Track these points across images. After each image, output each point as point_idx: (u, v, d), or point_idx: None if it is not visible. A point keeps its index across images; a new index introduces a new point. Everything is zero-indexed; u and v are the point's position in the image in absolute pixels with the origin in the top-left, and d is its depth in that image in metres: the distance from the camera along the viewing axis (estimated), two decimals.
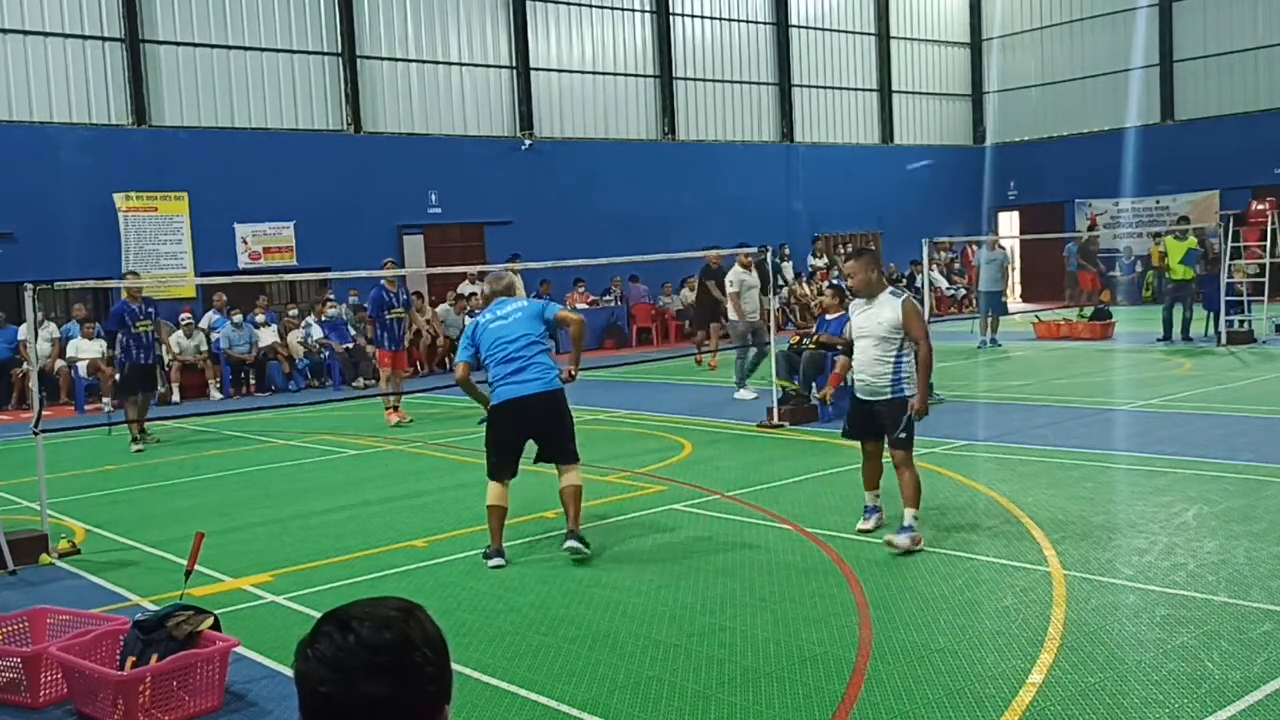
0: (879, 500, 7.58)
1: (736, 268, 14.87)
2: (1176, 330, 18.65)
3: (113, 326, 13.58)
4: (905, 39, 32.26)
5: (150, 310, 13.47)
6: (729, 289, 14.79)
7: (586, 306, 24.38)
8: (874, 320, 7.18)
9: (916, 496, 7.11)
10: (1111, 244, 30.03)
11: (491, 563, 7.19)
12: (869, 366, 7.21)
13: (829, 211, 29.63)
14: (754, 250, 14.88)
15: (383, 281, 14.44)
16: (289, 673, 5.25)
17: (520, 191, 24.30)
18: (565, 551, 7.17)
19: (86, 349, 17.80)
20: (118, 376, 14.40)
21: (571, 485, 7.31)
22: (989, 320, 20.03)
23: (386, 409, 14.11)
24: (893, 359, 7.10)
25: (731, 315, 14.82)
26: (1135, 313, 24.65)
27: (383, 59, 23.09)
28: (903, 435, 7.13)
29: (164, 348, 14.40)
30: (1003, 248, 22.39)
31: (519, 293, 7.57)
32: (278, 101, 21.91)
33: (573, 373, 7.61)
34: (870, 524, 7.49)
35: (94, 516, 9.31)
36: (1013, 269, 27.54)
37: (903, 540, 6.93)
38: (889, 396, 7.13)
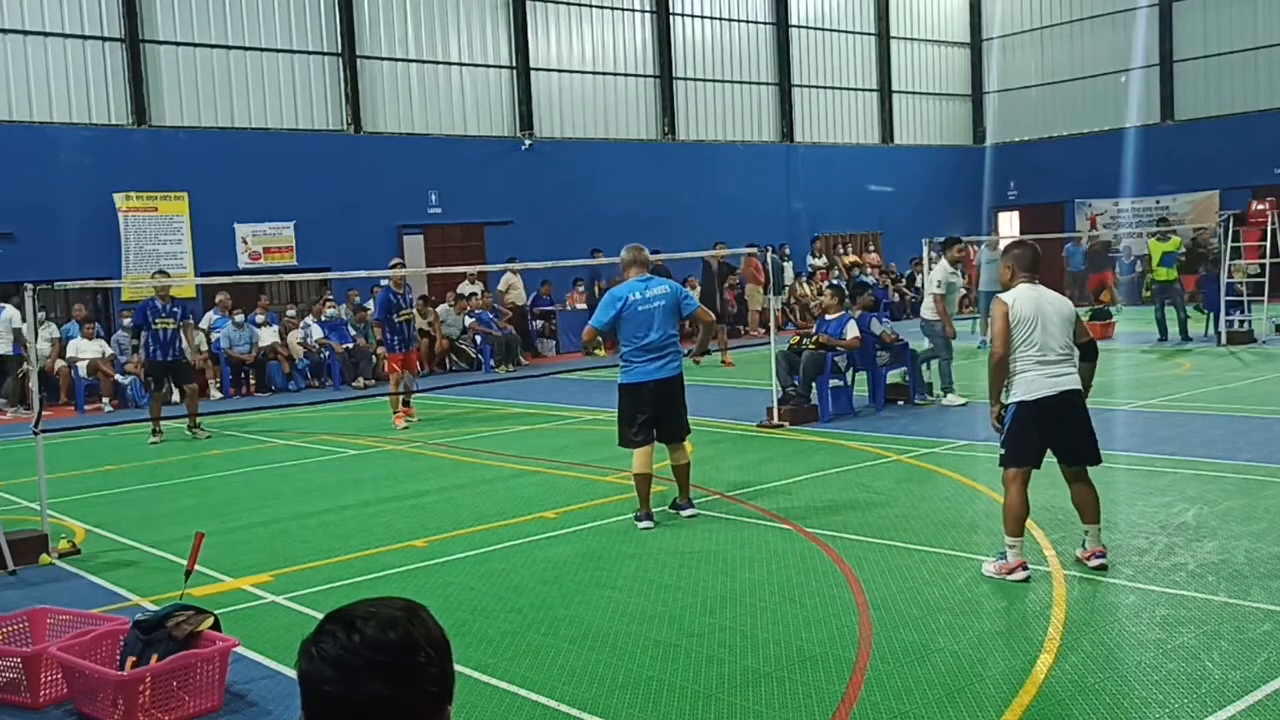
0: (1092, 542, 6.55)
1: (943, 264, 13.27)
2: (1173, 330, 18.70)
3: (137, 321, 13.74)
4: (905, 39, 32.25)
5: (175, 310, 13.65)
6: (934, 289, 13.17)
7: (585, 306, 24.38)
8: None
9: (1005, 518, 6.39)
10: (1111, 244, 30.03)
11: (641, 525, 7.90)
12: None
13: (829, 211, 29.63)
14: (757, 250, 14.74)
15: (389, 283, 14.39)
16: (289, 673, 5.26)
17: (520, 191, 24.30)
18: (686, 517, 8.13)
19: (86, 349, 17.79)
20: (143, 372, 14.67)
21: (683, 464, 8.21)
22: (989, 319, 20.04)
23: (395, 413, 13.97)
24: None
25: (931, 316, 13.33)
26: (1135, 313, 24.65)
27: (383, 59, 23.09)
28: (1001, 449, 6.48)
29: (190, 347, 14.35)
30: (1000, 248, 22.37)
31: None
32: (278, 101, 21.91)
33: (698, 359, 8.44)
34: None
35: (94, 516, 9.31)
36: None
37: (988, 567, 6.46)
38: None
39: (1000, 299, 6.49)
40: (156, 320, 13.42)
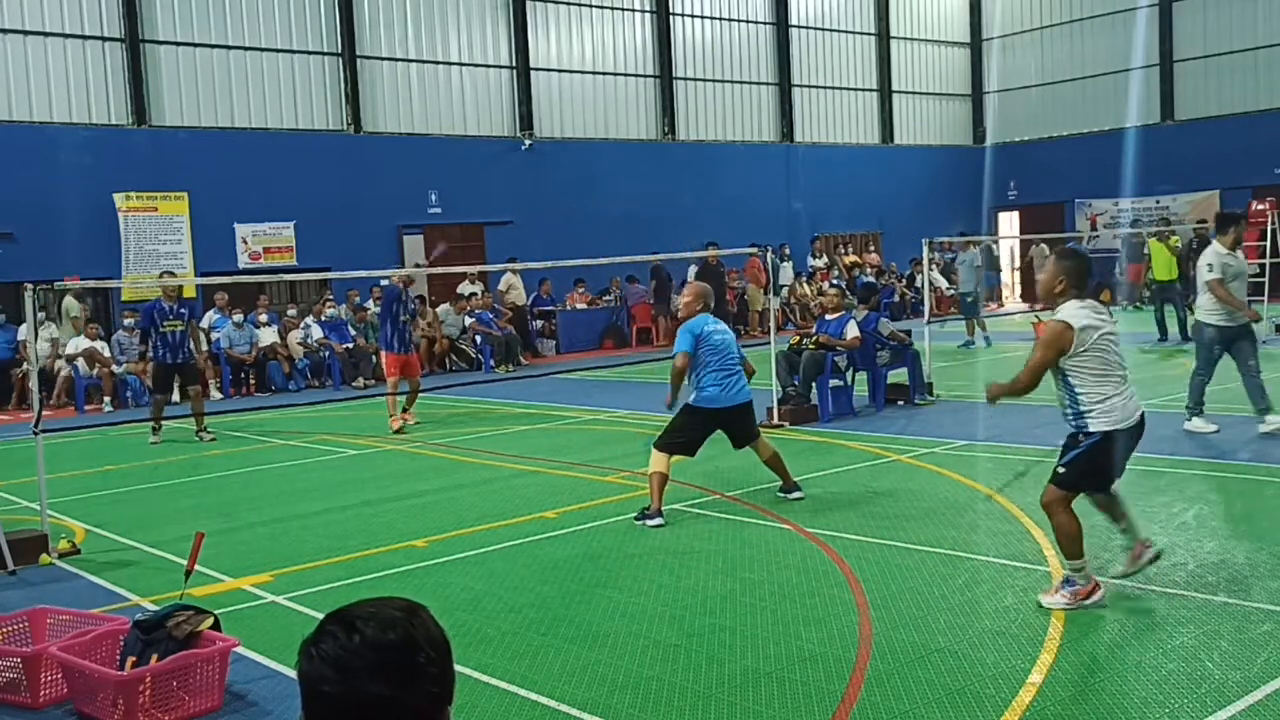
0: (1132, 539, 6.10)
1: (1214, 246, 10.54)
2: (1173, 330, 18.72)
3: (144, 324, 13.63)
4: (905, 39, 32.27)
5: (182, 311, 13.47)
6: (1207, 275, 10.29)
7: (586, 306, 24.41)
8: None
9: (1064, 543, 5.81)
10: (1111, 244, 30.03)
11: (653, 523, 7.98)
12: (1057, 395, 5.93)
13: (829, 211, 29.65)
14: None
15: (397, 281, 14.27)
16: (289, 673, 5.26)
17: (520, 191, 24.32)
18: (794, 500, 8.46)
19: (85, 346, 17.76)
20: (149, 374, 14.58)
21: (775, 452, 8.61)
22: (970, 321, 20.34)
23: (391, 416, 13.75)
24: (1064, 387, 5.75)
25: (1207, 319, 10.47)
26: (1135, 312, 24.65)
27: (383, 59, 23.09)
28: (1061, 469, 5.82)
29: (196, 347, 14.14)
30: (975, 249, 22.69)
31: None
32: (278, 101, 21.92)
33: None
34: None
35: (94, 516, 9.31)
36: (993, 269, 27.51)
37: (1052, 598, 5.80)
38: (1071, 429, 5.83)
39: (1065, 321, 5.61)
40: (164, 323, 13.23)
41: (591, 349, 23.66)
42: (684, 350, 8.47)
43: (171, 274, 15.85)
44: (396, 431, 13.49)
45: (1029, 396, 6.65)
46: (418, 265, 15.43)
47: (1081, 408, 5.67)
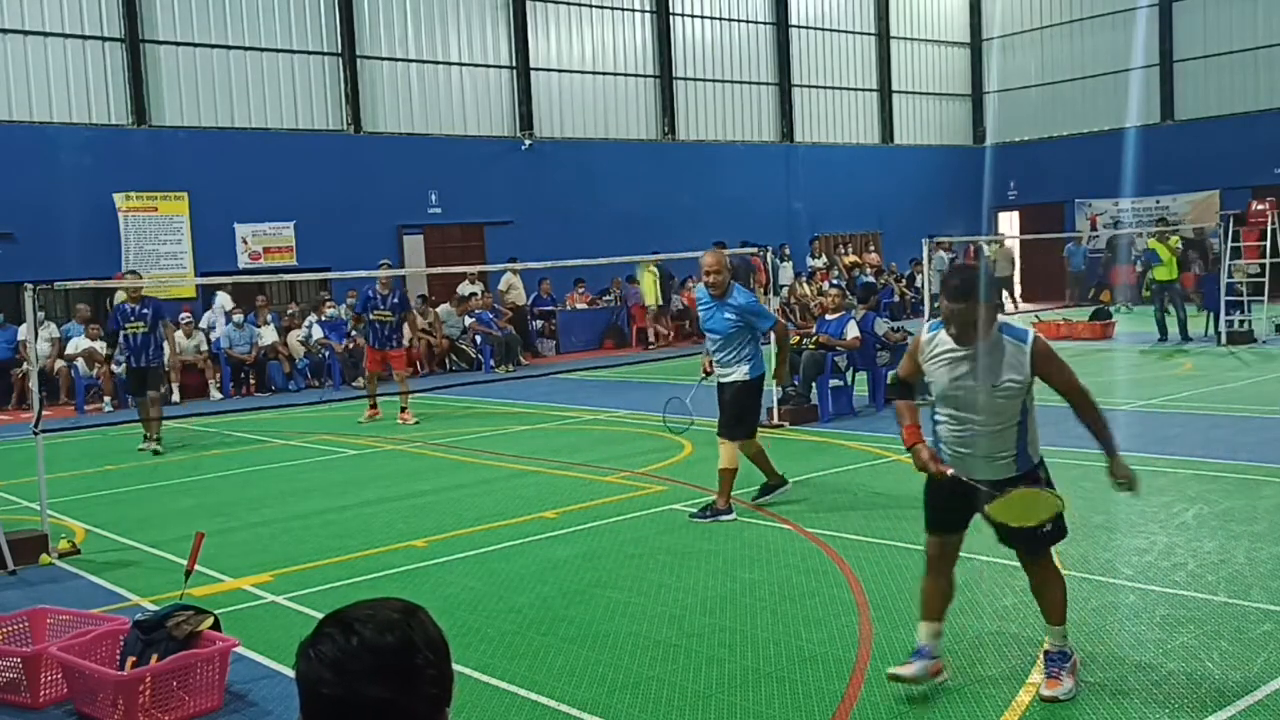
0: (938, 636, 4.85)
1: None
2: (1173, 330, 18.72)
3: (111, 327, 13.50)
4: (905, 39, 32.27)
5: (145, 312, 12.77)
6: None
7: (586, 306, 24.40)
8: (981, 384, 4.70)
9: (1061, 606, 4.84)
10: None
11: (726, 518, 8.05)
12: (973, 443, 4.78)
13: (829, 211, 29.64)
14: (755, 249, 14.76)
15: (377, 283, 14.33)
16: (289, 673, 5.26)
17: (520, 191, 24.31)
18: (780, 497, 8.49)
19: (85, 346, 17.75)
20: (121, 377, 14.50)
21: (760, 448, 8.46)
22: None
23: (370, 408, 14.36)
24: (1014, 426, 4.70)
25: None
26: (1135, 313, 24.65)
27: (383, 59, 23.09)
28: (1048, 529, 4.72)
29: (171, 349, 13.67)
30: (944, 252, 22.75)
31: None
32: (278, 101, 21.91)
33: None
34: (912, 669, 4.71)
35: (94, 516, 9.31)
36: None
37: (1062, 686, 4.63)
38: (1014, 473, 4.73)
39: (1042, 338, 4.72)
40: (126, 325, 12.75)
41: (591, 349, 23.66)
42: (777, 318, 8.50)
43: (136, 273, 15.69)
44: (363, 422, 14.04)
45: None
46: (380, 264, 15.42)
47: (1026, 440, 4.76)
